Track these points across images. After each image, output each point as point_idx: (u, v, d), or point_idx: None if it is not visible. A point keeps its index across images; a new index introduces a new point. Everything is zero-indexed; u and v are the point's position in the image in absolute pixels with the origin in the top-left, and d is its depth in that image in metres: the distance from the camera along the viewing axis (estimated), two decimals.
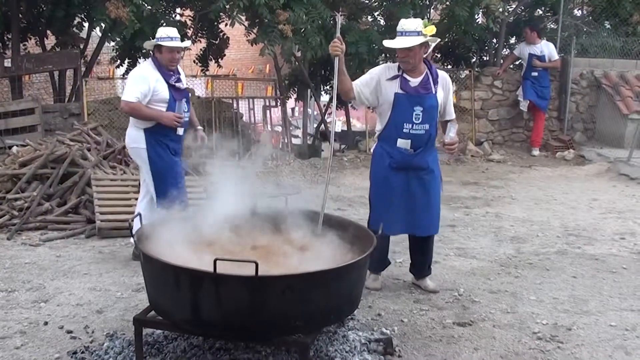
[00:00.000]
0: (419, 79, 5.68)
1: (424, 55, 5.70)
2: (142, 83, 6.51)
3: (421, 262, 6.14)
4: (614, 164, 12.68)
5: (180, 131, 6.70)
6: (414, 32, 5.49)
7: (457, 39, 15.91)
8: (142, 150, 6.63)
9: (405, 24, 5.58)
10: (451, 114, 5.99)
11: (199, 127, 7.15)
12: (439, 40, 5.77)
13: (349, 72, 5.90)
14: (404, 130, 5.63)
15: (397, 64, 5.75)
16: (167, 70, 6.62)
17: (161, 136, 6.61)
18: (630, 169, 12.14)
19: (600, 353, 4.77)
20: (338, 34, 5.41)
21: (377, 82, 5.70)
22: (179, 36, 6.74)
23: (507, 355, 4.72)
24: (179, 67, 6.86)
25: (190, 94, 7.02)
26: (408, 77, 5.66)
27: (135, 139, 6.68)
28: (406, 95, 5.61)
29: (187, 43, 7.16)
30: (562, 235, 8.10)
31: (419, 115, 5.61)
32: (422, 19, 5.71)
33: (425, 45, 5.62)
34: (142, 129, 6.61)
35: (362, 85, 5.72)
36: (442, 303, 5.73)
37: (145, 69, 6.71)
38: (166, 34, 6.58)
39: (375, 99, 5.77)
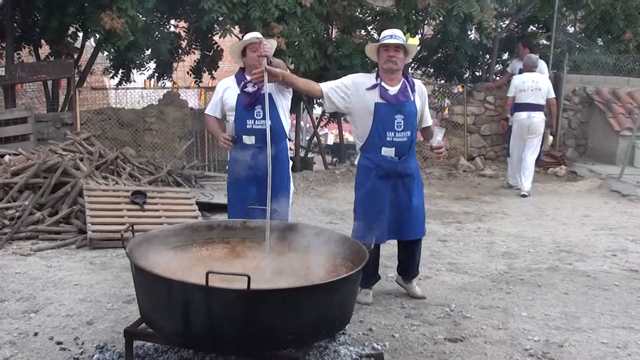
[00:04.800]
0: (397, 87, 5.81)
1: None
2: (214, 95, 6.63)
3: (411, 264, 6.26)
4: (606, 180, 12.73)
5: (247, 140, 6.35)
6: (402, 37, 5.76)
7: (449, 54, 15.99)
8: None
9: (394, 30, 5.85)
10: (428, 121, 6.20)
11: None
12: (417, 49, 5.98)
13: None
14: (387, 138, 5.74)
15: (374, 73, 5.92)
16: (246, 76, 6.35)
17: (238, 147, 6.42)
18: (621, 185, 12.18)
19: None
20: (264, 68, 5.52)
21: (354, 87, 5.81)
22: (262, 37, 6.28)
23: None
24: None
25: (275, 98, 6.35)
26: (386, 86, 5.77)
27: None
28: (387, 104, 5.73)
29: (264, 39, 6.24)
30: (553, 251, 8.10)
31: (401, 123, 5.74)
32: (406, 33, 5.96)
33: (406, 54, 5.86)
34: None
35: (334, 88, 5.84)
36: (433, 318, 5.72)
37: (223, 79, 6.70)
38: (249, 36, 6.38)
39: (344, 105, 5.87)
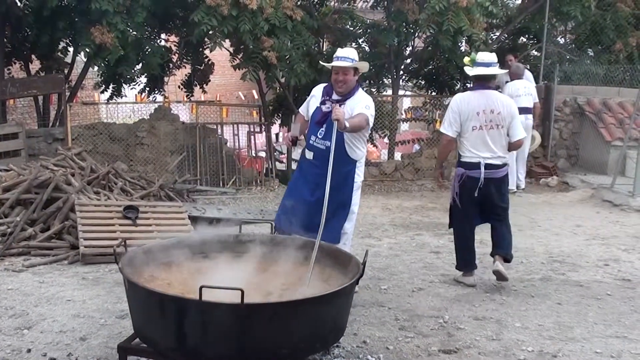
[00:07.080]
0: None
1: None
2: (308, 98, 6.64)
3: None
4: (598, 190, 12.74)
5: (308, 154, 6.35)
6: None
7: (440, 66, 16.04)
8: None
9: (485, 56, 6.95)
10: None
11: None
12: None
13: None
14: None
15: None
16: (334, 92, 6.29)
17: (303, 157, 6.53)
18: (613, 195, 12.19)
19: None
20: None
21: None
22: (351, 57, 6.21)
23: None
24: (359, 92, 6.35)
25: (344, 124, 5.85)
26: None
27: None
28: None
29: (349, 63, 6.21)
30: (546, 261, 8.11)
31: None
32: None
33: None
34: None
35: None
36: (427, 330, 5.71)
37: (319, 85, 6.66)
38: (335, 55, 6.31)
39: None
